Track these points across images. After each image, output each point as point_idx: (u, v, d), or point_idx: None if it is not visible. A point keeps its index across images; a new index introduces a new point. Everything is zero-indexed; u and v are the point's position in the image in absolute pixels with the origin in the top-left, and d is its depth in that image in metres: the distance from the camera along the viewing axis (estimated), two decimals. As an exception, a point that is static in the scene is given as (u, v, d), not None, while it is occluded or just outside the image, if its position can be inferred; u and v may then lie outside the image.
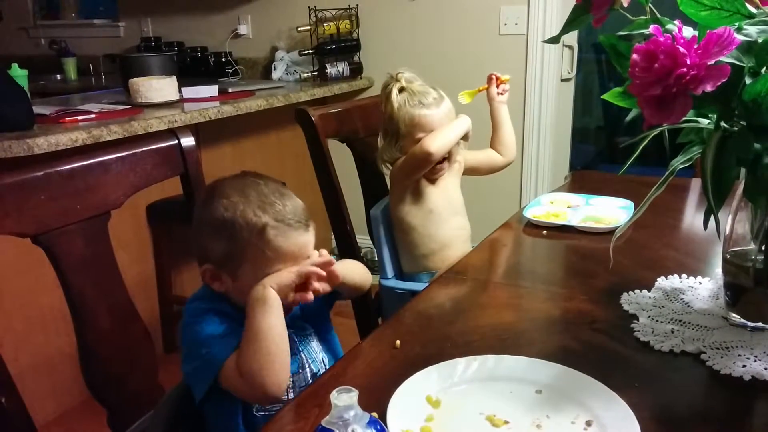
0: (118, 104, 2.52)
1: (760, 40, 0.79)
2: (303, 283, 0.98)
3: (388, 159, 1.72)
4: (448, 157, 1.71)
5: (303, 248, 1.00)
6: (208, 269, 1.01)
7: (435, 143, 1.62)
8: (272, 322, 0.93)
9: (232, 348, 0.94)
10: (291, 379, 1.02)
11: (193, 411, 0.99)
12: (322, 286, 0.99)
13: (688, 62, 0.73)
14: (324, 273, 0.99)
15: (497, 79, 1.83)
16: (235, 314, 1.00)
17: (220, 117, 2.51)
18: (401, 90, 1.67)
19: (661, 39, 0.75)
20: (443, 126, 1.66)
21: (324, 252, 1.02)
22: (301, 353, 1.06)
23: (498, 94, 1.84)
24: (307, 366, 1.05)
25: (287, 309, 0.99)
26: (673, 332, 1.00)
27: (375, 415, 0.73)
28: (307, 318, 1.11)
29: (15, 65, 2.70)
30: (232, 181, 1.02)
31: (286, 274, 0.96)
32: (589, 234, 1.47)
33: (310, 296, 0.98)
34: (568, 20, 0.96)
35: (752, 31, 0.79)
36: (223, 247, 0.98)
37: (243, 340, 0.94)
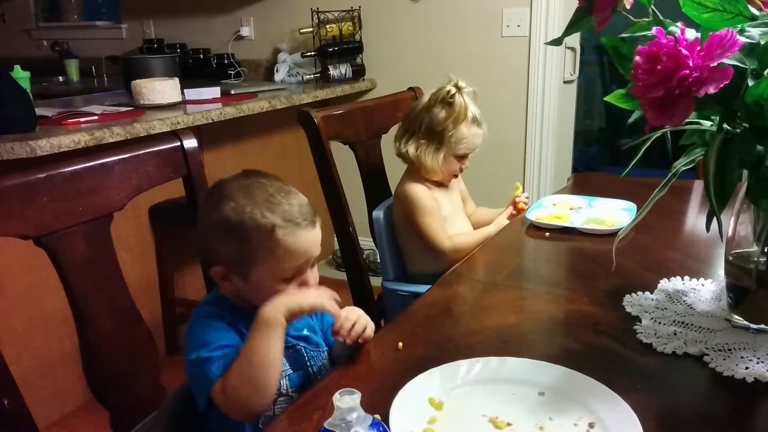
0: (121, 106, 2.52)
1: (762, 42, 0.79)
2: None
3: (403, 150, 1.72)
4: (460, 170, 1.75)
5: (312, 245, 1.00)
6: (218, 271, 1.01)
7: (456, 249, 1.68)
8: (270, 348, 0.93)
9: (227, 367, 0.94)
10: (297, 393, 1.02)
11: (196, 413, 0.99)
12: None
13: (691, 64, 0.73)
14: (333, 309, 0.98)
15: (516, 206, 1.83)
16: (243, 322, 0.99)
17: (222, 119, 2.51)
18: (464, 102, 1.68)
19: (664, 41, 0.75)
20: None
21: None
22: (310, 367, 1.05)
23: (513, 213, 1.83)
24: (314, 381, 1.03)
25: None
26: (675, 334, 1.00)
27: (378, 417, 0.73)
28: (325, 335, 1.11)
29: (17, 67, 2.71)
30: (236, 181, 1.01)
31: (298, 304, 0.95)
32: (591, 236, 1.47)
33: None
34: (570, 22, 0.96)
35: (755, 33, 0.79)
36: (234, 249, 0.98)
37: (237, 358, 0.94)
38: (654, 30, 0.78)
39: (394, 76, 3.21)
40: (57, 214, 1.04)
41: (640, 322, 1.04)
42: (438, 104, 1.68)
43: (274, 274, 0.98)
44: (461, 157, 1.72)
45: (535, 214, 1.57)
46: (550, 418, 0.81)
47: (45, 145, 1.86)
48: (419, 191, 1.71)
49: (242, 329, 0.99)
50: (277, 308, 0.94)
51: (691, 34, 0.78)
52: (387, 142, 1.89)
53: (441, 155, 1.69)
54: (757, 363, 0.91)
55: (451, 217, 1.78)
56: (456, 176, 1.78)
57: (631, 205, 1.60)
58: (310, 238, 0.99)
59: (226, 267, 1.00)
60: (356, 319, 0.99)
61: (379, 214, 1.77)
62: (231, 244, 0.98)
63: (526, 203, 1.82)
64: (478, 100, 1.72)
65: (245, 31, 3.64)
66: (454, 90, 1.67)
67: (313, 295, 0.97)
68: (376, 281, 1.73)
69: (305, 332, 1.07)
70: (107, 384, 1.11)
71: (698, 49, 0.74)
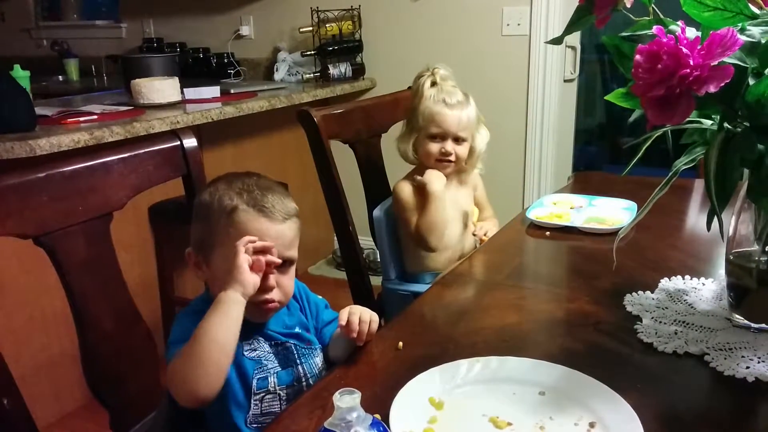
0: (120, 105, 2.52)
1: (763, 41, 0.78)
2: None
3: (401, 151, 1.75)
4: (455, 160, 1.70)
5: (269, 237, 0.96)
6: (190, 254, 1.02)
7: (433, 237, 1.65)
8: (216, 324, 0.88)
9: None
10: (285, 392, 1.01)
11: (195, 413, 0.99)
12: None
13: (692, 63, 0.73)
14: (268, 244, 0.93)
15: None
16: None
17: (222, 118, 2.51)
18: (432, 84, 1.70)
19: (665, 40, 0.74)
20: (461, 130, 1.67)
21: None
22: (300, 366, 1.04)
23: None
24: (304, 380, 1.03)
25: (266, 305, 0.98)
26: (676, 333, 0.99)
27: (378, 416, 0.73)
28: (320, 334, 1.10)
29: (17, 66, 2.70)
30: (232, 174, 1.03)
31: (235, 262, 0.90)
32: (592, 235, 1.47)
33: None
34: (571, 21, 0.96)
35: (755, 31, 0.79)
36: (201, 230, 1.00)
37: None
38: (654, 29, 0.77)
39: (394, 75, 3.20)
40: (56, 214, 1.04)
41: (641, 321, 1.04)
42: (412, 94, 1.73)
43: (229, 260, 0.93)
44: (437, 139, 1.68)
45: (535, 213, 1.57)
46: (551, 417, 0.81)
47: (44, 144, 1.86)
48: (403, 188, 1.72)
49: None
50: (226, 287, 0.91)
51: (691, 32, 0.78)
52: (387, 141, 1.89)
53: (414, 138, 1.71)
54: (758, 362, 0.91)
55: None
56: (442, 162, 1.69)
57: (632, 204, 1.60)
58: (270, 228, 0.96)
59: (194, 250, 1.01)
60: (360, 314, 0.98)
61: (379, 213, 1.77)
62: (198, 225, 1.00)
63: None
64: (472, 94, 1.73)
65: (245, 30, 3.64)
66: (423, 72, 1.71)
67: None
68: (376, 281, 1.73)
69: (297, 330, 1.06)
70: (107, 383, 1.11)
71: (699, 47, 0.74)
